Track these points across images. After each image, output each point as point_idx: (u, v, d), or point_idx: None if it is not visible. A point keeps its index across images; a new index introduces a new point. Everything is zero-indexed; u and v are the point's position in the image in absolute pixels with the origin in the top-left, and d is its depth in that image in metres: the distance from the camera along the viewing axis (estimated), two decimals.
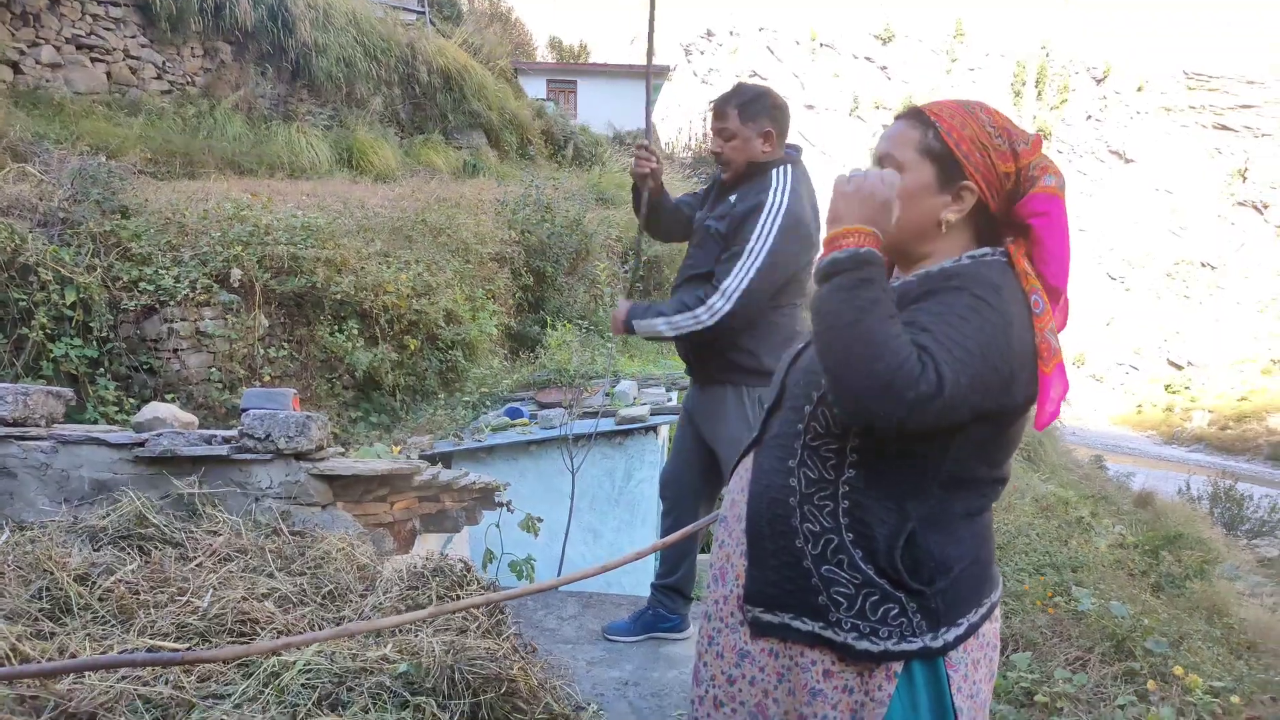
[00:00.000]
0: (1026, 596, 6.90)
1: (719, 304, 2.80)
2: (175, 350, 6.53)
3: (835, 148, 59.67)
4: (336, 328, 7.43)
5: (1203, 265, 55.63)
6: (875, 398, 1.20)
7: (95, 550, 2.20)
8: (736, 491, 1.55)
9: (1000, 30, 63.45)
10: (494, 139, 16.62)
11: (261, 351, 6.83)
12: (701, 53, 66.08)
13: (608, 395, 7.62)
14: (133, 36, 11.19)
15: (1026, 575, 7.27)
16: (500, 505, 4.90)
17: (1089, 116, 62.59)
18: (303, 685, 1.62)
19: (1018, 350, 1.30)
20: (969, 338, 1.25)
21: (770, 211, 2.80)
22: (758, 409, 2.73)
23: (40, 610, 1.88)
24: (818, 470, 1.37)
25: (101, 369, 6.10)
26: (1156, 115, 60.76)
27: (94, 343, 6.11)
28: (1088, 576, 7.31)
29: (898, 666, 1.32)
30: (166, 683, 1.65)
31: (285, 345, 7.10)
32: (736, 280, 2.79)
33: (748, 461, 1.55)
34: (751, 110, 2.87)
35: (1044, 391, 1.33)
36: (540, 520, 5.27)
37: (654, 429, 6.85)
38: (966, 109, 1.42)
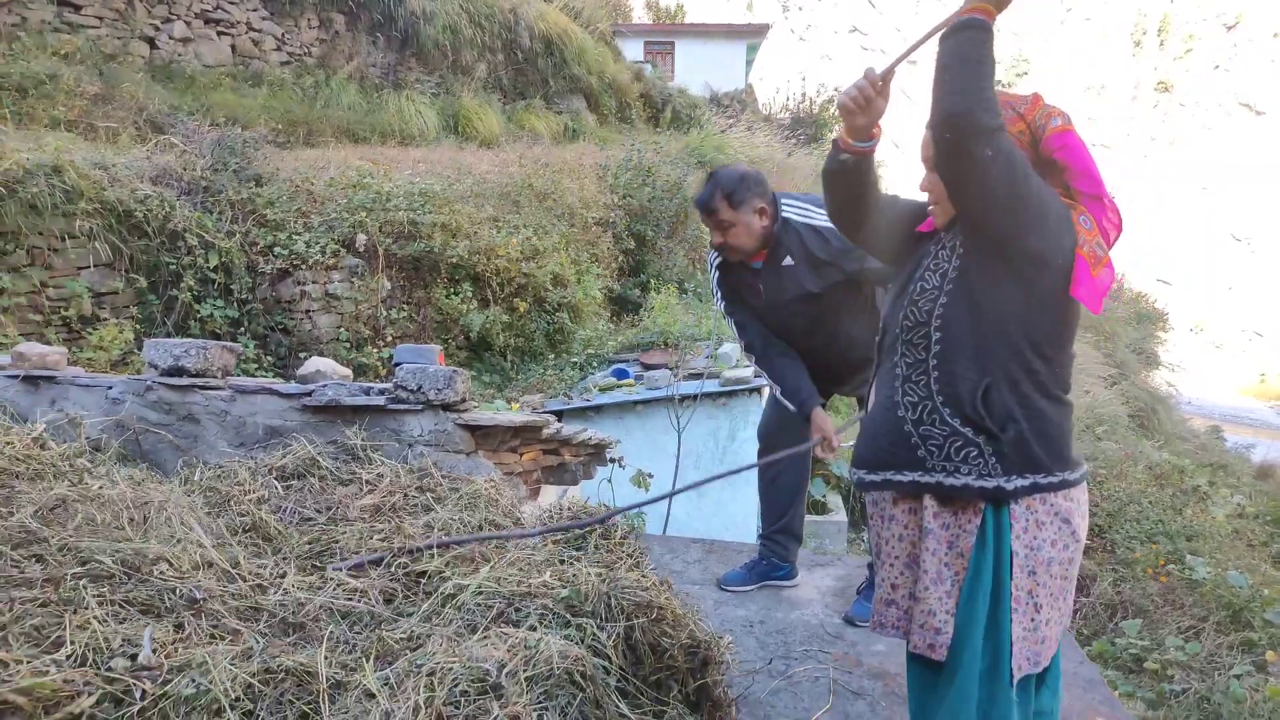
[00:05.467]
0: (1137, 564, 6.80)
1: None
2: (307, 311, 6.95)
3: None
4: (452, 290, 7.76)
5: None
6: (977, 111, 1.61)
7: (281, 488, 2.48)
8: None
9: None
10: (593, 103, 16.74)
11: (384, 313, 7.20)
12: (800, 9, 64.41)
13: (711, 357, 7.75)
14: (254, 10, 11.69)
15: (1138, 543, 7.15)
16: (612, 461, 5.12)
17: (1216, 66, 58.66)
18: (477, 605, 1.83)
19: (1055, 213, 1.66)
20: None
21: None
22: None
23: (245, 540, 2.15)
24: (913, 355, 1.78)
25: (242, 328, 6.56)
26: None
27: (235, 304, 6.56)
28: (1203, 546, 7.13)
29: (974, 514, 1.71)
30: (359, 601, 1.89)
31: (405, 307, 7.47)
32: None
33: None
34: (738, 196, 2.98)
35: (1086, 281, 1.65)
36: (651, 476, 5.47)
37: (758, 390, 6.96)
38: None
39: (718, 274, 3.28)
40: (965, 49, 1.66)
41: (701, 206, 3.05)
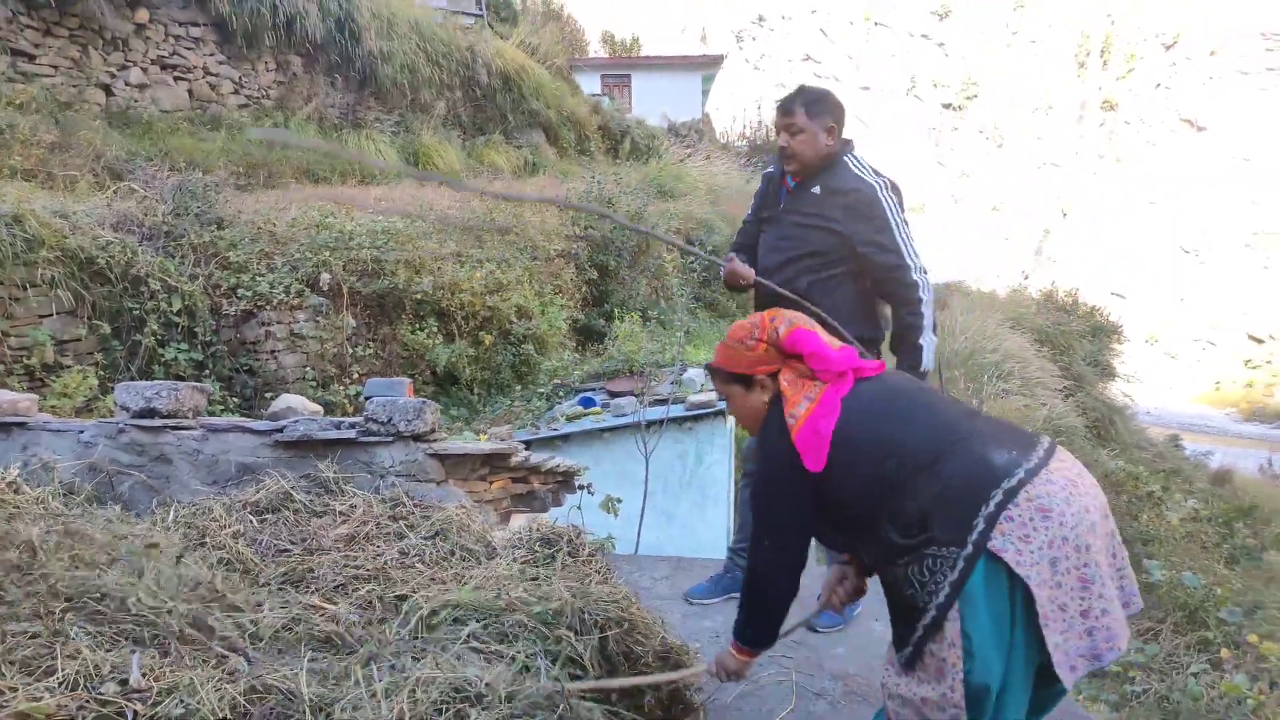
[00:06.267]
0: None
1: (923, 278, 3.15)
2: (272, 351, 6.97)
3: (892, 128, 58.82)
4: (417, 326, 7.82)
5: None
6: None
7: (256, 522, 2.54)
8: None
9: (1063, 0, 61.62)
10: (553, 137, 16.95)
11: (350, 350, 7.25)
12: (754, 39, 65.57)
13: (675, 383, 7.86)
14: (211, 54, 11.73)
15: None
16: (581, 488, 5.20)
17: (1158, 85, 60.51)
18: (453, 621, 1.91)
19: (788, 478, 1.96)
20: (764, 514, 2.08)
21: (882, 189, 3.11)
22: None
23: (223, 572, 2.21)
24: (870, 558, 2.06)
25: (207, 371, 6.56)
26: (1231, 80, 58.42)
27: (199, 346, 6.57)
28: (1159, 549, 7.34)
29: (953, 605, 1.73)
30: (339, 625, 1.96)
31: (371, 344, 7.51)
32: (912, 254, 3.12)
33: None
34: (817, 108, 3.16)
35: (807, 456, 1.93)
36: (620, 501, 5.55)
37: (723, 413, 7.08)
38: (722, 346, 2.18)
39: (761, 184, 3.49)
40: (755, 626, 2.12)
41: (781, 106, 3.23)
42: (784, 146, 3.22)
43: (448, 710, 1.53)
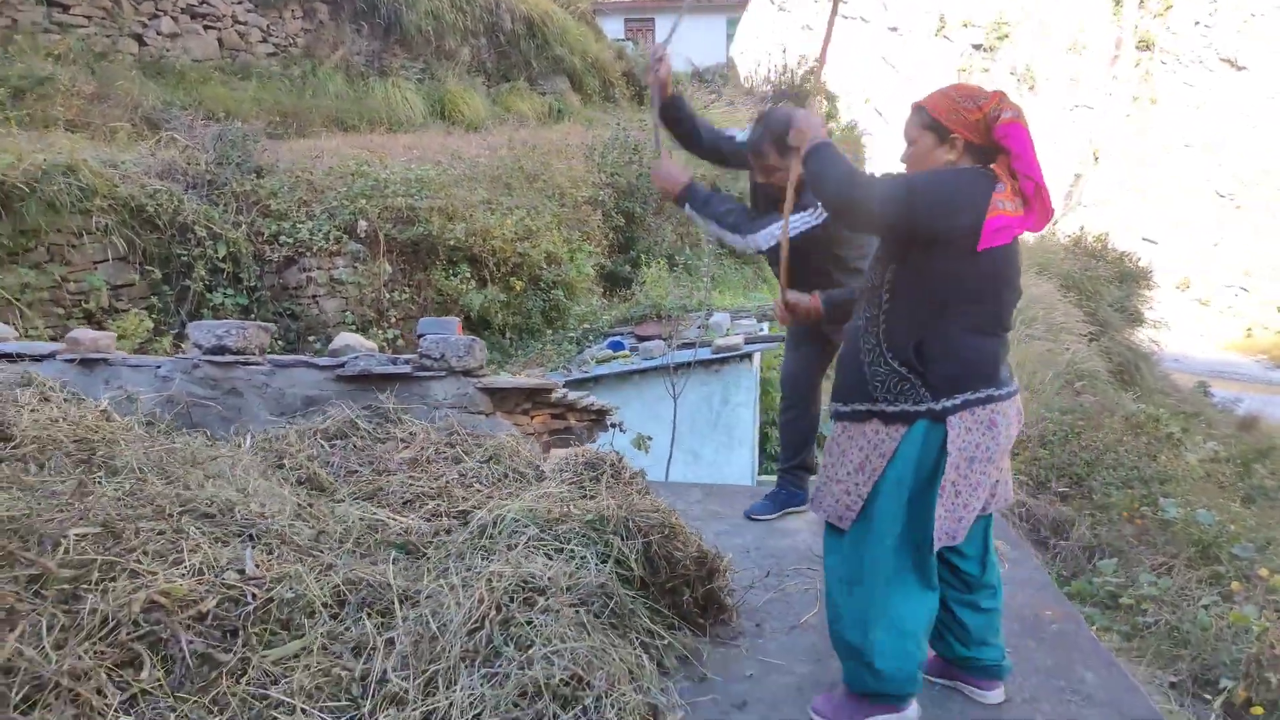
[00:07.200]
0: (1114, 508, 7.17)
1: (751, 244, 3.12)
2: (314, 296, 7.24)
3: (920, 70, 57.68)
4: (450, 272, 8.04)
5: None
6: (845, 191, 2.16)
7: (327, 447, 2.78)
8: None
9: None
10: (577, 83, 16.91)
11: (387, 295, 7.49)
12: None
13: (702, 327, 8.05)
14: (238, 2, 11.83)
15: (1114, 488, 7.51)
16: (613, 426, 5.43)
17: (1196, 23, 58.78)
18: (515, 529, 2.15)
19: (962, 200, 2.08)
20: (924, 179, 2.14)
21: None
22: None
23: (302, 491, 2.46)
24: (870, 311, 2.22)
25: (252, 315, 6.84)
26: (1273, 17, 56.64)
27: (244, 291, 6.84)
28: (1176, 489, 7.50)
29: (903, 428, 2.13)
30: (412, 536, 2.20)
31: (406, 289, 7.75)
32: (767, 237, 3.07)
33: None
34: (787, 141, 3.06)
35: (991, 234, 2.07)
36: (650, 438, 5.78)
37: (748, 357, 7.27)
38: (942, 92, 2.22)
39: None
40: (827, 167, 2.21)
41: (750, 148, 3.14)
42: (760, 183, 3.21)
43: (518, 598, 1.76)
